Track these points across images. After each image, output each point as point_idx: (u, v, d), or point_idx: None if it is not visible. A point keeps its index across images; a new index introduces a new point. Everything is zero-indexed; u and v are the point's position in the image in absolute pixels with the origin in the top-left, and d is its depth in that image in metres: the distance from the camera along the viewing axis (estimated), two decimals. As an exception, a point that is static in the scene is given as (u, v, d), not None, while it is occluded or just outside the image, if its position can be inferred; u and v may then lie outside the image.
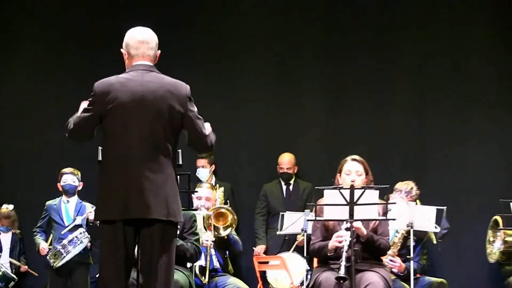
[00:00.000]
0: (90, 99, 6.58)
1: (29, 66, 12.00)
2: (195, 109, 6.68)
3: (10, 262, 11.26)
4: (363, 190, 7.50)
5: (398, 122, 11.92)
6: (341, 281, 7.43)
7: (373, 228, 7.78)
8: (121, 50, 6.75)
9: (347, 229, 7.53)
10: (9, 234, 11.37)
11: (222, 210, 9.87)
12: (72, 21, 11.98)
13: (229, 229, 9.89)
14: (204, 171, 10.85)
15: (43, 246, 10.32)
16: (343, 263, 7.46)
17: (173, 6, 11.62)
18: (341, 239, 7.55)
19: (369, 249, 7.71)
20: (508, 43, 11.91)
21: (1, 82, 12.06)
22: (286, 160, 11.51)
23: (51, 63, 11.89)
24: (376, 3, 12.00)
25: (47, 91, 11.63)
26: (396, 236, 9.39)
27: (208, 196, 9.72)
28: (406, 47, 12.07)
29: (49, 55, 11.98)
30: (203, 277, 9.46)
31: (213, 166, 11.10)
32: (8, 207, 11.34)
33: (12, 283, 11.15)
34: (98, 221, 6.83)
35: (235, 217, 10.08)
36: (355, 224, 7.51)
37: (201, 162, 10.77)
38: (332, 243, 7.66)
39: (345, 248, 7.52)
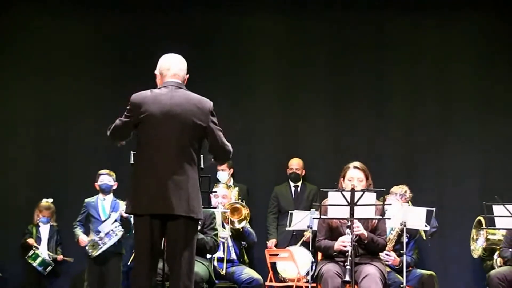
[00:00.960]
0: (128, 108, 6.71)
1: (73, 82, 11.98)
2: (216, 122, 6.75)
3: (49, 250, 11.29)
4: (362, 192, 7.51)
5: (393, 133, 11.96)
6: (346, 285, 7.47)
7: (372, 226, 7.80)
8: (155, 72, 6.88)
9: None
10: (48, 226, 11.38)
11: (237, 205, 9.92)
12: (113, 44, 12.02)
13: (243, 222, 9.92)
14: (224, 173, 10.86)
15: (82, 238, 10.31)
16: (348, 267, 7.49)
17: (199, 34, 11.66)
18: (346, 243, 7.58)
19: (369, 249, 7.75)
20: (486, 64, 11.93)
21: (49, 96, 12.01)
22: (295, 162, 11.57)
23: (93, 79, 11.90)
24: (373, 29, 12.00)
25: (89, 103, 11.64)
26: (391, 233, 9.37)
27: (225, 194, 9.74)
28: (398, 67, 12.11)
29: (92, 73, 11.98)
30: (221, 269, 9.50)
31: (231, 170, 11.10)
32: (48, 201, 11.37)
33: (49, 268, 11.20)
34: (132, 215, 6.96)
35: (248, 211, 10.12)
36: (360, 230, 7.56)
37: (221, 166, 10.78)
38: (337, 246, 7.70)
39: (350, 252, 7.53)
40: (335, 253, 7.72)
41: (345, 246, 7.59)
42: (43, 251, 11.20)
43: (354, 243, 7.53)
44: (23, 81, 12.06)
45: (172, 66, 6.86)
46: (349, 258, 7.49)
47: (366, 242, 7.66)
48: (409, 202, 9.80)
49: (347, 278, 7.42)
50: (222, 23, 12.04)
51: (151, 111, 6.64)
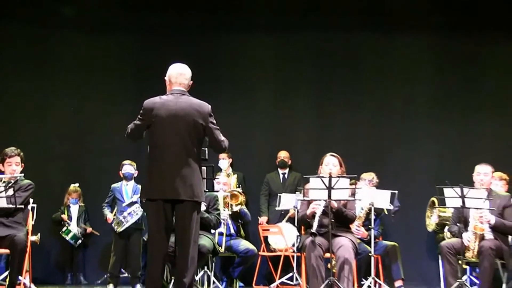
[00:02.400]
0: (141, 112, 6.80)
1: (102, 88, 11.99)
2: (214, 122, 6.86)
3: (79, 227, 11.37)
4: (338, 178, 7.63)
5: (364, 130, 11.94)
6: (313, 236, 7.60)
7: (343, 204, 7.91)
8: (165, 78, 6.96)
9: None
10: (77, 206, 11.45)
11: (235, 192, 10.02)
12: (132, 59, 12.06)
13: (239, 206, 10.02)
14: (224, 161, 10.87)
15: (109, 216, 10.42)
16: (315, 223, 7.65)
17: (204, 50, 11.65)
18: (316, 206, 7.74)
19: (339, 218, 7.84)
20: (440, 74, 12.03)
21: (82, 98, 12.01)
22: (283, 153, 11.59)
23: (117, 86, 11.95)
24: (350, 46, 11.98)
25: (113, 106, 11.63)
26: (361, 212, 9.45)
27: (225, 181, 9.82)
28: (370, 76, 12.09)
29: (116, 81, 12.04)
30: (220, 247, 9.55)
31: (231, 159, 11.12)
32: (75, 185, 11.46)
33: (79, 241, 11.33)
34: (144, 199, 7.01)
35: (244, 198, 10.23)
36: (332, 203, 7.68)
37: (222, 155, 10.82)
38: (310, 210, 7.84)
39: (318, 213, 7.71)
40: (308, 218, 7.85)
41: (314, 208, 7.74)
42: (74, 227, 11.31)
43: (330, 216, 7.65)
44: (62, 85, 12.07)
45: (178, 75, 6.94)
46: (315, 223, 7.64)
47: (335, 211, 7.73)
48: (376, 186, 9.89)
49: (314, 228, 7.60)
50: (223, 41, 12.02)
51: (160, 114, 6.75)
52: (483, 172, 8.49)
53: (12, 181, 7.76)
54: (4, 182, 7.64)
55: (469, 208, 8.16)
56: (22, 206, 7.94)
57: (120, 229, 10.17)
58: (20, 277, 8.04)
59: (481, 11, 11.83)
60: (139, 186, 10.25)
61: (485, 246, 8.16)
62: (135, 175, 10.48)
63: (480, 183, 8.44)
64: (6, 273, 8.50)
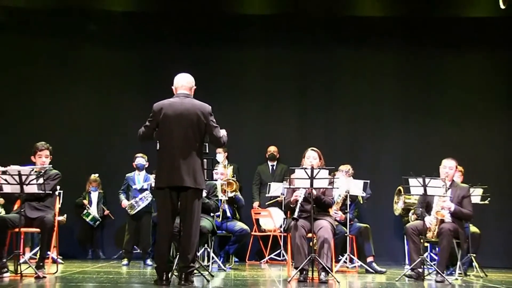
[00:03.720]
0: (151, 114, 6.87)
1: (118, 92, 12.00)
2: (214, 120, 6.91)
3: (98, 209, 11.38)
4: (319, 170, 7.62)
5: (340, 129, 12.00)
6: (297, 221, 7.58)
7: (323, 192, 7.88)
8: (172, 87, 7.03)
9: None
10: (97, 193, 11.46)
11: (230, 180, 10.00)
12: (143, 69, 12.02)
13: (234, 192, 10.00)
14: (220, 155, 10.84)
15: (124, 202, 10.40)
16: (297, 209, 7.63)
17: (204, 64, 11.59)
18: (298, 194, 7.73)
19: (319, 203, 7.82)
20: (405, 81, 12.06)
21: (101, 103, 12.02)
22: (272, 148, 11.59)
23: (131, 92, 11.93)
24: (327, 57, 12.00)
25: (127, 108, 11.60)
26: (339, 198, 9.41)
27: (222, 172, 9.79)
28: (345, 84, 12.14)
29: (131, 87, 12.02)
30: (219, 218, 9.59)
31: (226, 153, 11.11)
32: (95, 175, 11.47)
33: (98, 222, 11.37)
34: (155, 188, 7.03)
35: (238, 185, 10.22)
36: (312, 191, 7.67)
37: (219, 150, 10.79)
38: (293, 198, 7.80)
39: (300, 200, 7.70)
40: (292, 204, 7.79)
41: (297, 196, 7.72)
42: (93, 211, 11.34)
43: (311, 202, 7.65)
44: (85, 89, 12.03)
45: (182, 82, 7.02)
46: (297, 209, 7.65)
47: (315, 197, 7.70)
48: (352, 176, 9.88)
49: (296, 213, 7.59)
50: (221, 55, 12.03)
51: (168, 114, 6.82)
52: (448, 166, 8.49)
53: (42, 171, 7.75)
54: (35, 172, 7.63)
55: (430, 195, 8.20)
56: (51, 192, 7.91)
57: (133, 212, 10.25)
58: (48, 252, 8.03)
59: (438, 30, 11.92)
60: (150, 176, 10.31)
61: (444, 228, 8.21)
62: (146, 166, 10.48)
63: (445, 175, 8.45)
64: (37, 248, 8.48)
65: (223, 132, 7.03)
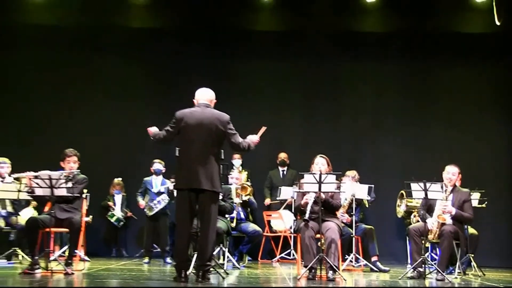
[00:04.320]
0: (173, 120, 6.90)
1: (137, 104, 12.00)
2: (233, 128, 6.93)
3: (121, 212, 11.38)
4: (326, 175, 7.62)
5: (345, 136, 11.99)
6: (307, 223, 7.58)
7: (331, 195, 7.85)
8: (193, 100, 7.05)
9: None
10: (120, 196, 11.46)
11: (245, 185, 10.01)
12: (160, 79, 12.02)
13: (248, 196, 10.03)
14: (237, 161, 10.90)
15: (142, 203, 10.45)
16: (307, 212, 7.63)
17: (221, 74, 11.63)
18: (308, 197, 7.70)
19: (327, 206, 7.80)
20: (406, 92, 12.01)
21: (123, 109, 12.00)
22: (283, 154, 11.60)
23: (150, 101, 11.93)
24: (331, 69, 12.03)
25: (147, 115, 11.38)
26: (345, 202, 9.40)
27: (238, 177, 9.82)
28: (347, 93, 12.18)
29: (151, 96, 12.02)
30: (232, 223, 9.57)
31: (241, 159, 11.11)
32: (118, 179, 11.48)
33: (121, 223, 11.39)
34: (175, 189, 7.07)
35: (252, 189, 10.23)
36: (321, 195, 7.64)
37: (236, 156, 10.80)
38: (303, 201, 7.79)
39: (310, 203, 7.68)
40: (303, 207, 7.79)
41: (307, 199, 7.71)
42: (117, 212, 11.36)
43: (319, 205, 7.63)
44: (106, 99, 12.04)
45: (202, 95, 7.04)
46: (307, 211, 7.63)
47: (323, 201, 7.69)
48: (357, 181, 9.87)
49: (307, 215, 7.60)
50: (235, 68, 12.07)
51: (189, 122, 6.83)
52: (451, 172, 8.48)
53: (71, 176, 7.79)
54: (64, 176, 7.65)
55: (430, 199, 8.17)
56: (78, 195, 7.98)
57: (151, 214, 10.25)
58: (76, 250, 8.05)
59: (434, 44, 11.92)
60: (166, 180, 10.31)
61: (446, 230, 8.19)
62: (163, 171, 10.46)
63: (448, 180, 8.43)
64: (66, 247, 8.53)
65: (251, 137, 7.07)
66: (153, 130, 7.09)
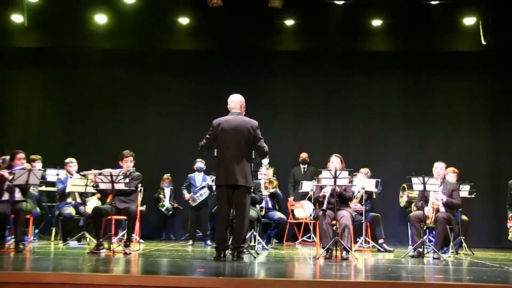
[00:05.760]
0: (211, 128, 6.95)
1: (183, 113, 12.07)
2: (259, 133, 6.95)
3: (170, 203, 11.41)
4: (340, 171, 7.64)
5: (357, 139, 11.93)
6: (324, 212, 7.62)
7: (344, 188, 7.87)
8: (227, 106, 7.07)
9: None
10: (169, 189, 11.44)
11: (271, 179, 10.03)
12: (203, 91, 12.02)
13: (275, 189, 10.05)
14: (265, 159, 10.82)
15: (187, 196, 10.45)
16: (325, 202, 7.69)
17: (249, 86, 11.56)
18: (325, 190, 7.77)
19: (341, 198, 7.83)
20: (406, 102, 11.97)
21: (172, 120, 12.09)
22: (304, 154, 11.56)
23: (192, 112, 11.90)
24: (344, 81, 12.01)
25: (191, 124, 11.49)
26: (358, 193, 9.43)
27: (265, 172, 9.83)
28: (357, 104, 12.10)
29: (192, 108, 12.00)
30: (262, 212, 9.62)
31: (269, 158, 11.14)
32: (167, 175, 11.43)
33: (170, 212, 11.40)
34: (215, 185, 7.09)
35: (278, 183, 10.25)
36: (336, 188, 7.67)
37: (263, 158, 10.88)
38: (321, 193, 7.85)
39: (327, 195, 7.73)
40: (321, 198, 7.83)
41: (324, 192, 7.78)
42: (167, 203, 11.37)
43: (335, 197, 7.66)
44: (157, 109, 12.13)
45: (234, 102, 7.06)
46: (325, 202, 7.66)
47: (338, 193, 7.71)
48: (369, 177, 9.89)
49: (325, 206, 7.66)
50: (262, 81, 12.06)
51: (224, 128, 6.89)
52: (439, 167, 8.57)
53: (128, 173, 7.92)
54: (123, 173, 7.78)
55: (428, 191, 8.21)
56: (134, 189, 8.08)
57: (194, 204, 10.29)
58: (133, 234, 8.18)
59: (432, 61, 11.86)
60: (207, 176, 10.33)
61: (440, 216, 8.22)
62: (204, 168, 10.51)
63: (437, 174, 8.48)
64: (124, 231, 8.65)
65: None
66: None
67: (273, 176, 10.66)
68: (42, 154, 10.17)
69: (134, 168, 8.23)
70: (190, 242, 10.26)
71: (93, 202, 9.64)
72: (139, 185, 8.45)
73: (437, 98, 11.96)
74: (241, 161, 6.84)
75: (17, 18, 11.38)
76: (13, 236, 8.08)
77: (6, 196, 7.94)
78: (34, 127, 12.17)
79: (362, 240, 9.49)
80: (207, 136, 7.01)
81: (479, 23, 11.27)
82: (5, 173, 7.90)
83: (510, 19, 10.92)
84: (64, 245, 9.09)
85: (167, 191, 11.47)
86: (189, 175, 10.60)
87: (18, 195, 7.99)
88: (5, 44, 11.86)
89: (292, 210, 11.05)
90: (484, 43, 11.20)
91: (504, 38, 11.28)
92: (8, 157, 8.40)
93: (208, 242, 10.13)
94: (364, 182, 9.54)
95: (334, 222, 7.69)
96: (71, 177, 9.70)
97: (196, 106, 11.88)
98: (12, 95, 12.24)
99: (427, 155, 11.09)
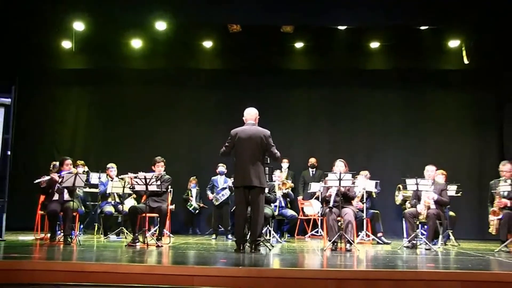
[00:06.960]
0: (229, 137, 6.93)
1: (208, 124, 12.03)
2: (271, 141, 6.92)
3: (197, 202, 11.35)
4: (344, 174, 7.62)
5: (359, 145, 11.83)
6: (331, 209, 7.59)
7: (347, 189, 7.85)
8: (243, 118, 7.05)
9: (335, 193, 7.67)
10: (196, 189, 11.35)
11: (285, 181, 10.01)
12: (224, 104, 12.01)
13: (288, 189, 10.02)
14: (285, 164, 10.98)
15: (210, 196, 10.43)
16: (331, 201, 7.68)
17: (265, 100, 11.52)
18: (331, 191, 7.75)
19: (345, 197, 7.81)
20: (406, 110, 11.90)
21: (198, 129, 12.04)
22: (312, 159, 11.45)
23: (216, 122, 11.84)
24: (348, 91, 11.95)
25: (214, 133, 11.38)
26: (359, 193, 9.38)
27: (279, 175, 9.82)
28: (362, 113, 11.99)
29: (216, 119, 11.95)
30: (276, 210, 9.57)
31: (288, 162, 11.19)
32: (194, 177, 11.34)
33: (197, 211, 11.31)
34: (234, 187, 7.08)
35: (291, 185, 10.22)
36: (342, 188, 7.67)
37: (284, 160, 10.90)
38: (328, 193, 7.82)
39: (333, 195, 7.72)
40: (327, 198, 7.80)
41: (330, 192, 7.76)
42: (194, 202, 11.29)
43: (340, 196, 7.65)
44: (185, 119, 12.12)
45: (250, 114, 7.05)
46: (331, 201, 7.67)
47: (343, 193, 7.71)
48: (369, 178, 9.83)
49: (331, 204, 7.64)
50: (276, 95, 12.01)
51: (241, 137, 6.88)
52: (430, 170, 8.51)
53: (159, 176, 7.91)
54: (155, 177, 7.80)
55: (421, 190, 8.17)
56: (165, 190, 8.09)
57: (217, 203, 10.26)
58: (164, 230, 8.19)
59: (426, 77, 11.79)
60: (228, 179, 10.29)
61: (430, 212, 8.17)
62: (225, 172, 10.47)
63: (428, 176, 8.44)
64: (157, 227, 8.66)
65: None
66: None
67: (287, 179, 10.63)
68: (86, 161, 10.24)
69: (165, 172, 8.26)
70: (214, 236, 10.25)
71: (129, 202, 9.69)
72: (169, 187, 8.47)
73: (431, 110, 11.87)
74: (255, 165, 6.83)
75: (66, 44, 11.61)
76: (62, 231, 8.18)
77: (56, 197, 8.11)
78: (80, 137, 12.27)
79: (364, 234, 9.44)
80: (226, 144, 7.02)
81: (462, 46, 11.34)
82: (55, 176, 8.02)
83: (488, 42, 10.96)
84: (105, 238, 9.16)
85: (194, 192, 11.41)
86: (212, 177, 10.58)
87: (66, 196, 8.12)
88: (57, 67, 11.99)
89: (303, 208, 11.01)
90: (466, 62, 11.23)
91: (483, 58, 11.29)
92: (58, 163, 8.56)
93: (229, 236, 10.09)
94: (365, 183, 9.49)
95: (339, 218, 7.69)
96: (111, 180, 9.79)
97: (218, 118, 11.87)
98: (62, 110, 12.36)
99: (421, 159, 10.99)
